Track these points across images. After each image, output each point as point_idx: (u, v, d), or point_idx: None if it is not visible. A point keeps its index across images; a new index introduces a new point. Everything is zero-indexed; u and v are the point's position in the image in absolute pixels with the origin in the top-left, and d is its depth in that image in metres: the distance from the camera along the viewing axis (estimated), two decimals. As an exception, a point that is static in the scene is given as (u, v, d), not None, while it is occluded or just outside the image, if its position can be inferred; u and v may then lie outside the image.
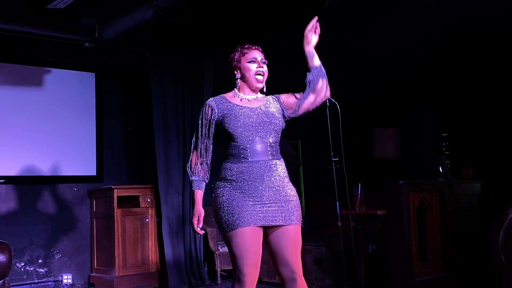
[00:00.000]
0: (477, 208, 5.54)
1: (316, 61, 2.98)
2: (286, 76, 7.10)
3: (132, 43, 6.16)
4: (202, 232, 2.92)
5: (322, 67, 2.98)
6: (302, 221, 2.91)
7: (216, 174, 2.93)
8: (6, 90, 5.99)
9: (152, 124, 6.17)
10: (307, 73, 2.98)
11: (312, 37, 2.99)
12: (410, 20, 5.56)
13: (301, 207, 2.98)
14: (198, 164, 2.95)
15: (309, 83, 2.97)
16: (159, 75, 6.22)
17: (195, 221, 2.89)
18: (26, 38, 5.69)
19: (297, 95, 3.01)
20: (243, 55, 2.96)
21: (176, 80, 6.28)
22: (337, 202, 4.36)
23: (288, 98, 3.02)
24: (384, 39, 5.95)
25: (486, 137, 5.84)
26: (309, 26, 3.00)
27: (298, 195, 2.97)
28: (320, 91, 2.97)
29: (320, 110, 4.25)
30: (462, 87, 6.04)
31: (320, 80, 2.96)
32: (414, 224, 5.01)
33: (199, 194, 2.95)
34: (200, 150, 2.94)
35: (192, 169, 2.96)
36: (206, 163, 2.96)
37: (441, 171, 5.50)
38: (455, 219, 5.26)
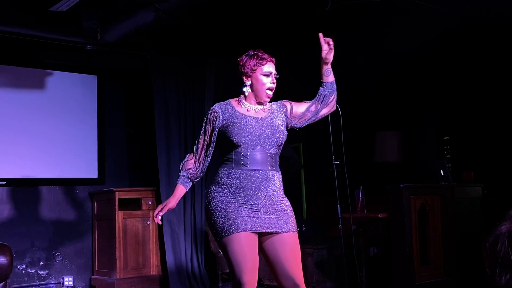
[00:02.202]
0: (478, 212, 5.54)
1: (331, 77, 3.02)
2: (287, 80, 7.11)
3: (134, 46, 6.17)
4: (160, 222, 2.90)
5: (334, 83, 3.04)
6: (298, 230, 2.89)
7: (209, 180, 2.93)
8: (8, 92, 6.00)
9: (154, 126, 6.18)
10: (321, 87, 3.03)
11: (330, 57, 2.99)
12: (411, 24, 5.57)
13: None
14: (194, 166, 2.94)
15: (323, 97, 3.02)
16: (161, 77, 6.23)
17: (159, 207, 2.89)
18: (28, 41, 5.70)
19: (308, 105, 3.01)
20: (259, 66, 2.90)
21: (178, 82, 6.29)
22: (339, 205, 4.37)
23: (298, 108, 3.02)
24: (385, 43, 5.95)
25: (487, 141, 5.84)
26: (326, 48, 2.98)
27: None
28: (330, 105, 3.05)
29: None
30: (464, 91, 6.04)
31: (333, 96, 3.04)
32: (416, 227, 5.01)
33: (180, 189, 2.94)
34: (200, 155, 2.92)
35: (185, 168, 2.95)
36: (202, 168, 2.95)
37: (442, 174, 5.50)
38: (456, 222, 5.26)
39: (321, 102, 3.02)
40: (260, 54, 2.92)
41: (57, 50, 6.01)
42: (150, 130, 6.32)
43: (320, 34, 3.00)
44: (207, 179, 5.79)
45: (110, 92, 6.63)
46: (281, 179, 2.91)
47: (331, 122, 4.22)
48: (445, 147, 6.32)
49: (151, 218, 6.17)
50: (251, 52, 2.94)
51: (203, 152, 2.92)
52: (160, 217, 2.90)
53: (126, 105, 6.75)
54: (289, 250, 2.80)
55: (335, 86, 3.04)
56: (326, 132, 4.31)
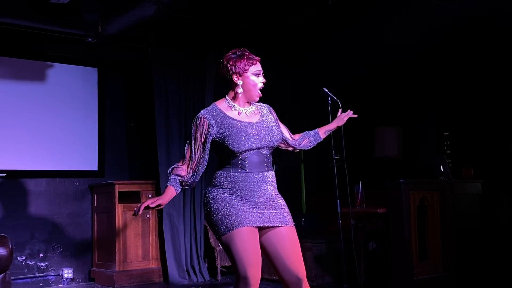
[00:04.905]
0: (477, 208, 5.55)
1: (325, 135, 3.29)
2: (285, 76, 7.11)
3: (134, 39, 6.16)
4: (140, 212, 2.73)
5: None
6: (295, 224, 2.90)
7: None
8: (9, 84, 6.00)
9: (154, 119, 6.18)
10: (311, 136, 3.24)
11: (344, 121, 3.34)
12: (412, 20, 5.56)
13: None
14: (187, 174, 2.86)
15: (307, 145, 3.24)
16: (161, 70, 6.22)
17: (150, 201, 2.75)
18: (29, 33, 5.70)
19: (291, 139, 3.16)
20: (250, 66, 2.88)
21: (178, 75, 6.29)
22: (338, 200, 4.37)
23: (284, 130, 3.12)
24: (385, 39, 5.95)
25: (487, 137, 5.85)
26: (350, 113, 3.36)
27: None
28: (303, 149, 3.27)
29: (322, 108, 4.27)
30: (464, 87, 6.04)
31: (312, 146, 3.27)
32: (415, 223, 5.02)
33: (171, 191, 2.83)
34: (193, 163, 2.85)
35: (175, 173, 2.86)
36: (195, 177, 2.88)
37: (442, 170, 5.50)
38: (455, 218, 5.27)
39: (299, 146, 3.20)
40: (248, 54, 2.90)
41: (57, 42, 6.00)
42: (150, 123, 6.32)
43: (350, 112, 3.38)
44: (206, 174, 5.79)
45: (111, 84, 6.63)
46: (274, 176, 2.93)
47: (331, 117, 4.22)
48: (445, 143, 6.33)
49: (150, 211, 6.18)
50: (238, 52, 2.91)
51: (196, 160, 2.86)
52: (142, 210, 2.74)
53: (126, 98, 6.74)
54: (289, 243, 2.81)
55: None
56: (326, 127, 4.30)
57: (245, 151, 2.80)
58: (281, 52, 6.84)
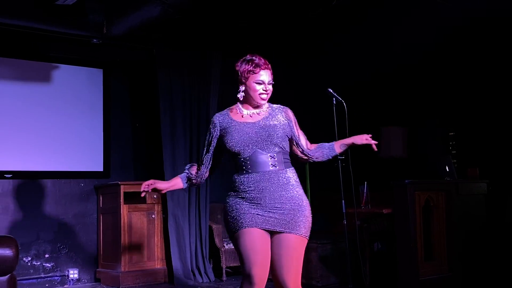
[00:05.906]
0: (483, 208, 5.54)
1: (340, 150, 3.14)
2: (289, 76, 7.11)
3: (140, 40, 6.18)
4: (143, 194, 3.00)
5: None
6: (306, 236, 2.83)
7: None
8: (14, 85, 6.02)
9: (159, 120, 6.19)
10: (326, 148, 3.10)
11: (362, 142, 3.19)
12: (418, 21, 5.56)
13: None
14: (195, 172, 3.04)
15: (321, 156, 3.10)
16: (166, 71, 6.23)
17: (151, 181, 2.96)
18: (35, 34, 5.72)
19: (306, 148, 3.06)
20: (253, 74, 2.87)
21: (183, 76, 6.30)
22: (343, 200, 4.37)
23: (301, 136, 3.04)
24: (391, 38, 5.94)
25: (492, 137, 5.84)
26: (372, 142, 3.20)
27: (304, 192, 2.95)
28: (315, 160, 3.13)
29: (327, 108, 4.27)
30: (469, 87, 6.03)
31: (327, 159, 3.15)
32: (420, 223, 5.01)
33: (177, 181, 3.03)
34: (201, 164, 3.03)
35: (188, 169, 3.06)
36: (200, 175, 3.02)
37: (447, 170, 5.49)
38: (461, 218, 5.26)
39: (313, 156, 3.08)
40: (256, 61, 2.89)
41: (63, 43, 6.03)
42: (156, 124, 6.33)
43: (373, 142, 3.22)
44: (211, 176, 5.80)
45: (116, 85, 6.64)
46: (289, 177, 2.87)
47: (337, 117, 4.22)
48: (450, 143, 6.31)
49: (156, 212, 6.19)
50: (248, 57, 2.92)
51: (206, 162, 3.01)
52: (146, 189, 2.97)
53: (131, 99, 6.76)
54: (286, 251, 2.78)
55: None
56: (331, 127, 4.31)
57: (245, 150, 2.84)
58: (286, 52, 6.84)
